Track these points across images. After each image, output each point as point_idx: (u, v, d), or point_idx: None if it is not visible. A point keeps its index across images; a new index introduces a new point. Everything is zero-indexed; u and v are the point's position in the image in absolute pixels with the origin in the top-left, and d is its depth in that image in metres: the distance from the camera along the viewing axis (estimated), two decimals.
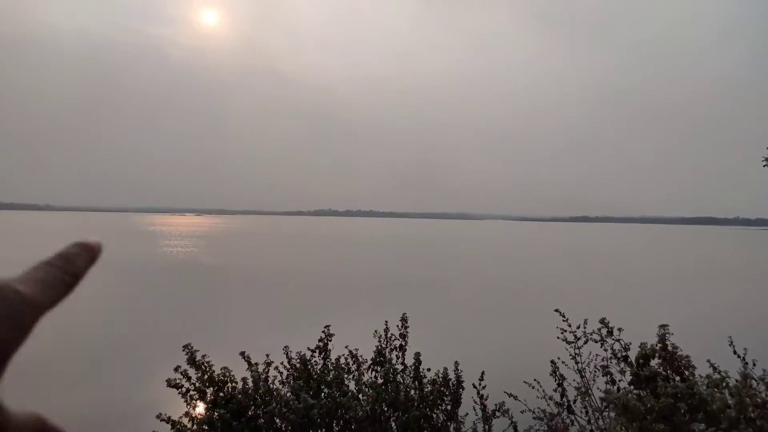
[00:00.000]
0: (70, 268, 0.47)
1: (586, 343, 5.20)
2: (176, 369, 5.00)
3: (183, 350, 5.04)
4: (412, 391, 5.33)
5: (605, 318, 5.05)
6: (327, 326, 5.77)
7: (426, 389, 5.35)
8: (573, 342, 5.25)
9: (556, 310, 5.31)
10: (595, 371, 5.06)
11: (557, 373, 5.25)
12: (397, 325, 5.79)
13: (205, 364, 5.00)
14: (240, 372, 5.27)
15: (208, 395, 4.92)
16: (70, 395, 12.38)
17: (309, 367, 5.51)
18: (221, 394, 4.93)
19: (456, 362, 5.53)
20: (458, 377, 5.41)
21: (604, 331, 5.03)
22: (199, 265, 43.41)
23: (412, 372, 5.49)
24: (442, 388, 5.33)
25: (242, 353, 5.42)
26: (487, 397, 5.27)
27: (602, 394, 4.57)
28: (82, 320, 20.93)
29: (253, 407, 4.94)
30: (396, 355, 5.65)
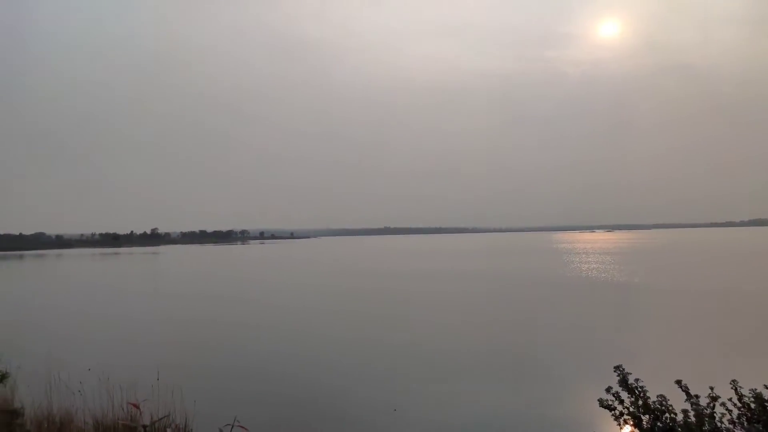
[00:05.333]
0: None
1: None
2: (608, 390, 4.93)
3: (614, 371, 4.94)
4: None
5: None
6: None
7: None
8: None
9: None
10: None
11: None
12: None
13: (639, 389, 4.76)
14: (676, 402, 4.81)
15: (644, 423, 4.66)
16: (509, 397, 13.80)
17: None
18: (659, 423, 4.60)
19: None
20: None
21: None
22: (623, 283, 42.13)
23: None
24: None
25: (678, 382, 4.94)
26: None
27: None
28: (515, 333, 23.07)
29: None
30: None
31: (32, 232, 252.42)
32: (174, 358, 18.52)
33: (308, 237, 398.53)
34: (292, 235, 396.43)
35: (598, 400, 4.92)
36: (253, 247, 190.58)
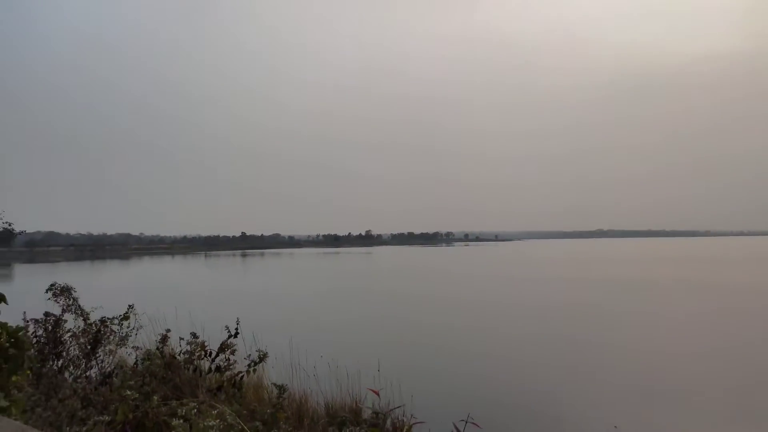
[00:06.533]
0: None
1: None
2: None
3: None
4: None
5: None
6: None
7: None
8: None
9: None
10: None
11: None
12: None
13: None
14: None
15: None
16: None
17: None
18: None
19: None
20: None
21: None
22: None
23: None
24: None
25: None
26: None
27: None
28: None
29: None
30: None
31: (270, 233, 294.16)
32: (393, 352, 19.62)
33: (512, 240, 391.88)
34: (496, 238, 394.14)
35: None
36: (458, 249, 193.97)
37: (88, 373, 7.81)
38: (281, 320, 27.03)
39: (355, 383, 10.47)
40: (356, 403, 9.90)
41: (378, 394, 4.05)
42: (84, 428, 3.65)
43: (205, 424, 3.16)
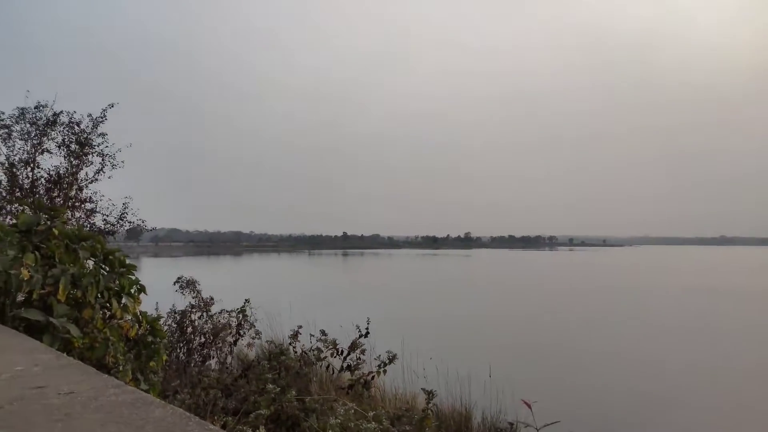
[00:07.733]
0: None
1: None
2: None
3: None
4: None
5: None
6: None
7: None
8: None
9: None
10: None
11: None
12: None
13: None
14: None
15: None
16: None
17: None
18: None
19: None
20: None
21: None
22: None
23: None
24: None
25: None
26: None
27: None
28: None
29: None
30: None
31: (370, 234, 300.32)
32: (502, 357, 18.67)
33: (623, 245, 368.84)
34: (604, 243, 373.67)
35: None
36: (562, 254, 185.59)
37: (209, 362, 8.20)
38: (389, 319, 27.05)
39: (464, 387, 10.11)
40: (465, 409, 9.56)
41: (530, 407, 3.67)
42: (246, 419, 3.76)
43: (366, 426, 3.06)
